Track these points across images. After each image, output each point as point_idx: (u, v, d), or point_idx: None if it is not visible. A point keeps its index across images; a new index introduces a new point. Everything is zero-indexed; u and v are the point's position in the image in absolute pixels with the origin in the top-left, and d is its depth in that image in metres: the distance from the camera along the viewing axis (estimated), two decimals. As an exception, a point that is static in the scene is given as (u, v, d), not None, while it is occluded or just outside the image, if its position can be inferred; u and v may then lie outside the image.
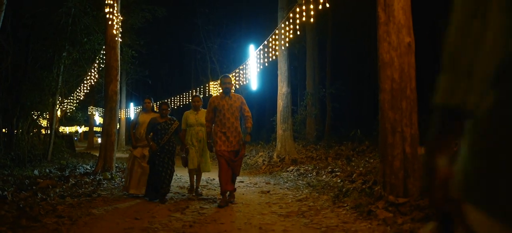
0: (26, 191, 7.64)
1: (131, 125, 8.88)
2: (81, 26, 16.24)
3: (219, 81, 7.57)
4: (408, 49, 6.05)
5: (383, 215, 5.53)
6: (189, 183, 9.04)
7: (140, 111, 9.12)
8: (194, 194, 8.49)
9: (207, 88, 23.67)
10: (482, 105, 1.18)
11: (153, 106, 9.17)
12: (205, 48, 30.62)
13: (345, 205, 6.62)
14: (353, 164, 11.91)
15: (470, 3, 1.24)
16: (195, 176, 8.71)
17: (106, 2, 9.69)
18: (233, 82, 7.34)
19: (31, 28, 15.57)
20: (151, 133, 7.91)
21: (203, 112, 8.38)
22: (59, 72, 16.16)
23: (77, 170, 12.55)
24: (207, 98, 25.07)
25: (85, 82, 17.61)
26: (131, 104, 33.01)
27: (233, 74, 18.41)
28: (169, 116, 8.09)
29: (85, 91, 17.95)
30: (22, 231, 5.12)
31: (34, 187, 8.12)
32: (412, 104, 6.05)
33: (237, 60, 25.94)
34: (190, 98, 24.75)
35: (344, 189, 7.66)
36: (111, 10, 9.88)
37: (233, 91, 7.53)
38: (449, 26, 1.30)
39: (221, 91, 7.53)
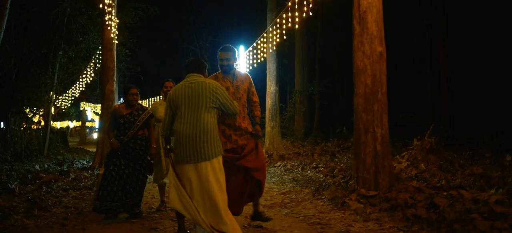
0: (31, 185, 8.26)
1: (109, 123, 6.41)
2: (76, 25, 16.78)
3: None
4: (379, 57, 6.75)
5: (355, 206, 6.25)
6: (160, 199, 6.92)
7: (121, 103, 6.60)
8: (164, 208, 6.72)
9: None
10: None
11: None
12: (196, 46, 31.21)
13: (323, 197, 7.34)
14: (336, 160, 12.64)
15: (169, 107, 4.73)
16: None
17: (106, 10, 10.25)
18: (236, 57, 5.66)
19: (27, 26, 16.06)
20: (115, 130, 6.16)
21: None
22: (55, 70, 16.71)
23: (75, 165, 13.16)
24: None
25: (80, 80, 18.21)
26: (121, 99, 33.34)
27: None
28: (138, 105, 6.25)
29: (81, 88, 18.54)
30: (35, 219, 5.78)
31: (37, 181, 8.73)
32: (383, 107, 6.75)
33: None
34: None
35: (324, 184, 8.37)
36: (109, 16, 10.46)
37: (237, 69, 5.69)
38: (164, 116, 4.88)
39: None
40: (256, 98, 5.64)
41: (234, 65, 5.47)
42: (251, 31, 23.29)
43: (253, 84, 5.62)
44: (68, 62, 17.24)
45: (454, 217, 5.19)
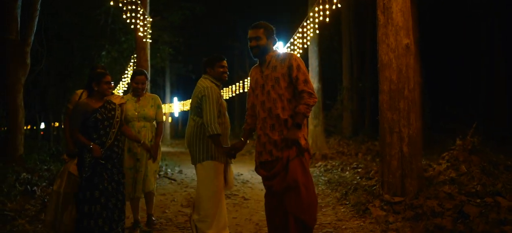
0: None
1: (66, 113, 5.16)
2: (119, 25, 16.92)
3: None
4: (406, 50, 6.15)
5: (376, 213, 5.70)
6: (133, 217, 5.61)
7: (83, 90, 5.10)
8: (141, 227, 5.56)
9: (246, 82, 23.92)
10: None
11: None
12: (243, 44, 30.97)
13: (348, 203, 6.81)
14: (378, 160, 11.97)
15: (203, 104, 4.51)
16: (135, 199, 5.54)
17: (127, 7, 10.10)
18: (271, 36, 4.22)
19: (75, 27, 16.41)
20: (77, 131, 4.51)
21: (148, 100, 5.57)
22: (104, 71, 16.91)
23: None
24: (245, 94, 25.36)
25: (123, 79, 18.38)
26: (175, 99, 33.82)
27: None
28: (109, 98, 4.83)
29: (123, 88, 18.73)
30: (36, 225, 5.62)
31: (64, 182, 8.67)
32: (410, 105, 6.14)
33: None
34: (232, 92, 24.76)
35: (353, 187, 7.81)
36: (133, 14, 10.31)
37: (276, 51, 4.31)
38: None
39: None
40: (302, 86, 4.00)
41: (269, 47, 4.20)
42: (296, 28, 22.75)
43: (295, 67, 4.02)
44: (111, 62, 17.47)
45: (482, 229, 4.61)
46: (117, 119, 4.73)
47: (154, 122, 5.60)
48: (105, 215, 4.47)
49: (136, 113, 5.42)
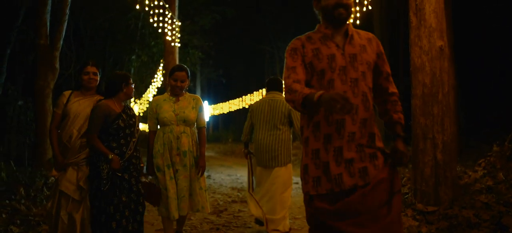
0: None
1: (53, 119, 4.35)
2: (149, 30, 17.04)
3: None
4: (440, 53, 5.90)
5: (408, 223, 5.46)
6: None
7: (71, 91, 4.42)
8: None
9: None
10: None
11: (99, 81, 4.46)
12: (274, 47, 30.81)
13: (378, 211, 6.57)
14: (410, 166, 11.62)
15: (249, 117, 5.68)
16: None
17: (155, 11, 10.11)
18: None
19: (108, 31, 16.58)
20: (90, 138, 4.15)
21: (189, 100, 4.84)
22: (130, 74, 17.12)
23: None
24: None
25: (152, 83, 18.54)
26: (206, 103, 33.88)
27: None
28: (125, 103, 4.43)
29: (153, 93, 18.88)
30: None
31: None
32: (444, 110, 5.88)
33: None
34: (262, 96, 24.52)
35: (384, 194, 7.55)
36: (161, 18, 10.31)
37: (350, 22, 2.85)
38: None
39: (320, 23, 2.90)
40: (393, 87, 2.96)
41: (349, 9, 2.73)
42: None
43: (383, 53, 2.89)
44: (141, 66, 17.61)
45: (523, 243, 4.31)
46: (138, 128, 4.37)
47: (194, 128, 4.87)
48: (125, 222, 4.12)
49: (175, 115, 4.65)
